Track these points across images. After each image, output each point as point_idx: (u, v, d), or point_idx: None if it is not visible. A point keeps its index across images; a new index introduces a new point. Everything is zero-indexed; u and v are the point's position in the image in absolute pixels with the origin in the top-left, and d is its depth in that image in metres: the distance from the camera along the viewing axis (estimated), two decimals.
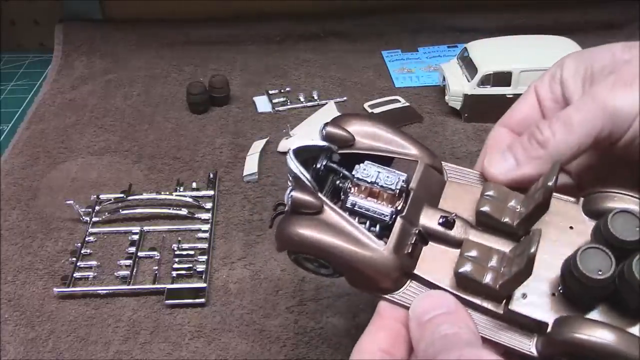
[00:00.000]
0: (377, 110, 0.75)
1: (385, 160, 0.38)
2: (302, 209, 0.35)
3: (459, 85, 0.72)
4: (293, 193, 0.35)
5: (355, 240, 0.35)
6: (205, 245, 0.56)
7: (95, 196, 0.61)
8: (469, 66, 0.72)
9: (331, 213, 0.35)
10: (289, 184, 0.37)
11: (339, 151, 0.38)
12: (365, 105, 0.76)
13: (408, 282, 0.35)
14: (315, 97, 0.78)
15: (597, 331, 0.31)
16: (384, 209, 0.35)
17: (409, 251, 0.35)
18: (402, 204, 0.36)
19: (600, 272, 0.31)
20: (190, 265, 0.54)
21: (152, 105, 0.78)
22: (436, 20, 0.93)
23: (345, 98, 0.78)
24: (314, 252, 0.36)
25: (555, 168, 0.33)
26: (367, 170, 0.36)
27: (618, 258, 0.32)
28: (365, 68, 0.84)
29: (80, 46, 0.91)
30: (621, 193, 0.35)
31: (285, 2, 0.94)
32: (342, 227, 0.35)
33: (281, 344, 0.48)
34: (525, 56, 0.70)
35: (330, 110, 0.75)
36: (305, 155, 0.37)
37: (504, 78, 0.69)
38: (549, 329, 0.33)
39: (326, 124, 0.38)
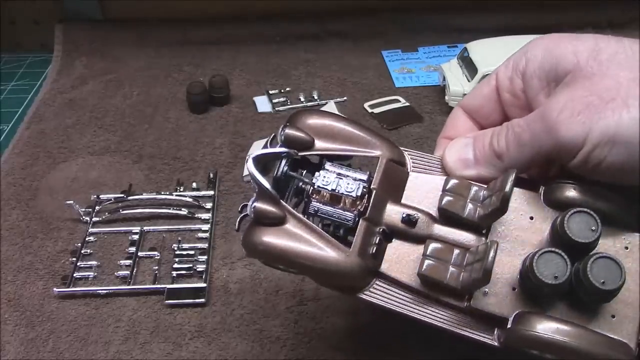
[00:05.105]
0: (377, 110, 0.75)
1: (346, 157, 0.39)
2: (265, 220, 0.36)
3: (459, 85, 0.72)
4: (256, 204, 0.36)
5: (320, 247, 0.35)
6: (205, 245, 0.56)
7: (95, 196, 0.61)
8: (469, 66, 0.72)
9: (294, 221, 0.36)
10: (252, 190, 0.37)
11: (299, 154, 0.38)
12: (366, 105, 0.76)
13: (374, 280, 0.36)
14: (316, 97, 0.78)
15: (555, 328, 0.32)
16: (347, 214, 0.36)
17: (374, 251, 0.36)
18: (364, 204, 0.36)
19: (556, 277, 0.32)
20: (190, 265, 0.54)
21: (152, 105, 0.78)
22: (436, 20, 0.93)
23: (345, 98, 0.78)
24: (280, 263, 0.36)
25: (511, 174, 0.33)
26: (327, 178, 0.36)
27: (574, 257, 0.32)
28: (365, 68, 0.84)
29: (80, 46, 0.91)
30: (579, 184, 0.35)
31: (285, 2, 0.94)
32: (306, 235, 0.35)
33: (281, 344, 0.48)
34: None
35: (330, 110, 0.75)
36: (266, 160, 0.37)
37: None
38: (509, 325, 0.33)
39: (284, 126, 0.38)
